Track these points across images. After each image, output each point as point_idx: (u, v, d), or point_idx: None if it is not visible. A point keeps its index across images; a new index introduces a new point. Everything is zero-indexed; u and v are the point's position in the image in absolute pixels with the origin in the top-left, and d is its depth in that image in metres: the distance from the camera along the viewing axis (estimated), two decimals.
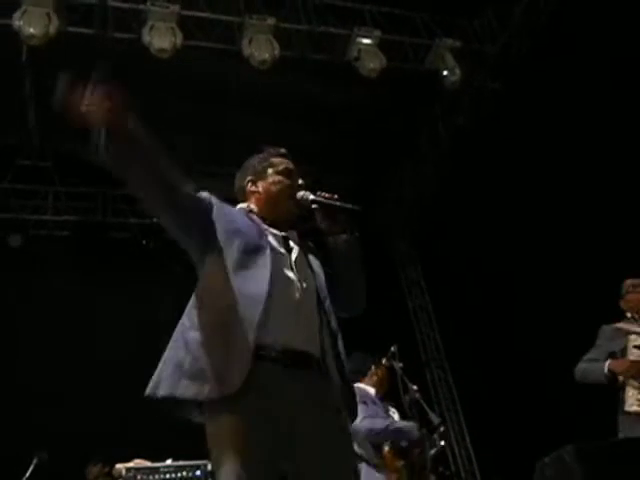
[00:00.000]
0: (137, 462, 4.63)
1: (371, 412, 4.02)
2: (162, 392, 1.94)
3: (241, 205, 2.39)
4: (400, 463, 3.91)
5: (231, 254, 2.12)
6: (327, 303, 2.22)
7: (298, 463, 1.94)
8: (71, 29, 5.65)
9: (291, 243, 2.31)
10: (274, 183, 2.36)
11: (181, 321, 2.09)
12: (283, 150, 2.46)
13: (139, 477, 4.44)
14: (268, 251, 2.14)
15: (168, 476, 4.50)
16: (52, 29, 5.24)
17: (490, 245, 6.84)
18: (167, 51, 5.57)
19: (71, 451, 5.66)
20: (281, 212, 2.35)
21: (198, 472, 4.51)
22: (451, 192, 7.36)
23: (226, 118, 6.78)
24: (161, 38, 5.56)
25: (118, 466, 4.63)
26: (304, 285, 2.17)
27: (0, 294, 6.68)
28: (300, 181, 2.38)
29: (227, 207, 2.28)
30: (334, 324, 2.21)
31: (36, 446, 5.16)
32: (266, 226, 2.29)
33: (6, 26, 5.39)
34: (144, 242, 7.13)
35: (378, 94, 6.85)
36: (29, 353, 6.55)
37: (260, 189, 2.38)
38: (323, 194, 2.33)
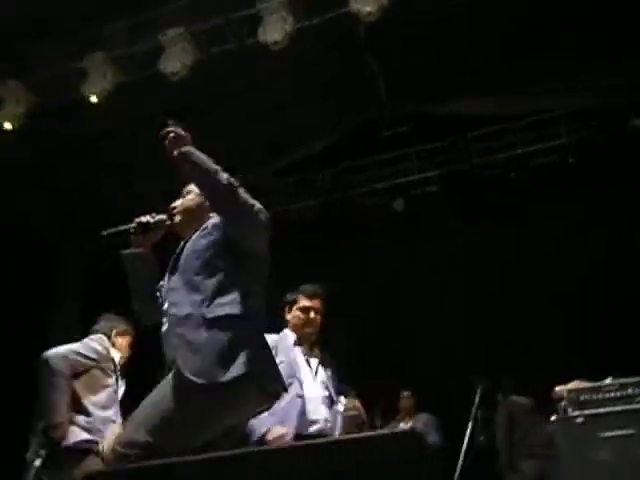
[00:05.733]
0: (576, 383, 4.65)
1: None
2: None
3: None
4: None
5: None
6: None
7: None
8: None
9: None
10: None
11: None
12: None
13: (582, 397, 4.46)
14: None
15: (612, 394, 4.42)
16: (385, 1, 5.56)
17: None
18: None
19: None
20: None
21: None
22: None
23: None
24: None
25: (558, 388, 4.71)
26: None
27: (391, 255, 7.46)
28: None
29: None
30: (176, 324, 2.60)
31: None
32: None
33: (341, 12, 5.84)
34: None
35: None
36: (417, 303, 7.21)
37: None
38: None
